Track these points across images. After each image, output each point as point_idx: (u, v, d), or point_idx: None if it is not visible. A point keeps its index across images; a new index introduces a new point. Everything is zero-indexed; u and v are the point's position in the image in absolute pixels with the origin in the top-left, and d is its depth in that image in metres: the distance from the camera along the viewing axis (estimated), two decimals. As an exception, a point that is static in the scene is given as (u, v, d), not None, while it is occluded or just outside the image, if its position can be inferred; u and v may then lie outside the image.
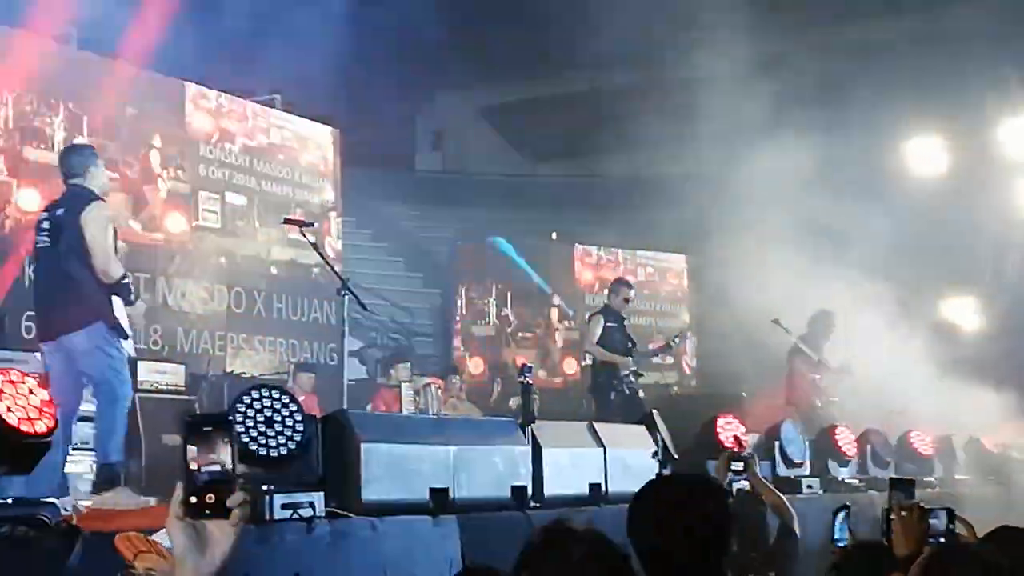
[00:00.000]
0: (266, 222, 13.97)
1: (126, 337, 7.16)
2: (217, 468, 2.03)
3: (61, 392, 6.67)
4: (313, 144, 15.10)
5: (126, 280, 7.19)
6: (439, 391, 11.90)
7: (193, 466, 2.03)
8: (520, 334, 17.75)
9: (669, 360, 17.29)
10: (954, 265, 15.45)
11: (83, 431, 8.75)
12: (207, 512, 2.03)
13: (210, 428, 2.04)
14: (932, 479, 10.99)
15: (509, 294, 17.57)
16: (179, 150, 13.20)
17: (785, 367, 12.74)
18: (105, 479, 6.60)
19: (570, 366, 17.67)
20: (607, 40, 14.68)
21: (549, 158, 18.92)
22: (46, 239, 7.16)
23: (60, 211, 7.17)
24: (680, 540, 3.17)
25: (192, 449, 2.03)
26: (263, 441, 5.15)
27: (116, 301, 7.06)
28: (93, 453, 7.38)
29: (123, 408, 6.99)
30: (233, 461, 2.05)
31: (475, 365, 16.98)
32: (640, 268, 18.65)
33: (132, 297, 7.25)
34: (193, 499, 2.02)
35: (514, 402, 13.43)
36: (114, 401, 6.92)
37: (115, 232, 7.29)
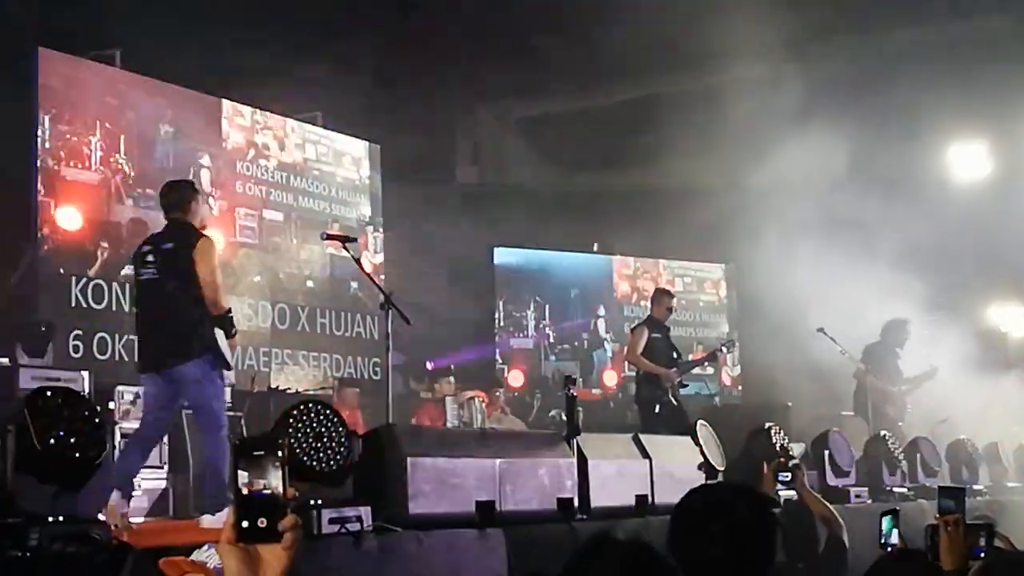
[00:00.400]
0: (305, 238, 14.05)
1: (229, 368, 7.51)
2: (268, 492, 2.04)
3: (154, 421, 7.25)
4: (349, 159, 15.19)
5: (230, 313, 7.50)
6: (483, 404, 11.91)
7: (244, 490, 2.03)
8: (560, 346, 17.73)
9: (710, 371, 17.21)
10: (1000, 271, 15.29)
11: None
12: (259, 536, 2.03)
13: (260, 452, 2.04)
14: (981, 487, 10.89)
15: (548, 307, 17.57)
16: (216, 167, 13.31)
17: (835, 377, 12.67)
18: (221, 500, 6.61)
19: (610, 378, 17.61)
20: (643, 50, 14.66)
21: (586, 169, 18.86)
22: (152, 272, 7.39)
23: (167, 244, 7.41)
24: (721, 549, 3.14)
25: (243, 473, 2.03)
26: (313, 455, 5.17)
27: (219, 333, 7.29)
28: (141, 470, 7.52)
29: (225, 434, 7.19)
30: (284, 484, 2.05)
31: (515, 378, 16.96)
32: (678, 279, 18.59)
33: (233, 330, 7.50)
34: (245, 523, 2.02)
35: (556, 412, 13.42)
36: (219, 428, 7.14)
37: None
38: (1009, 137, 15.35)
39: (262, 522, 2.02)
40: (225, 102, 13.58)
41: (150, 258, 7.43)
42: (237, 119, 13.76)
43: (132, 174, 12.21)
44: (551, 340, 17.63)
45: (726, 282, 19.01)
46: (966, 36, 14.66)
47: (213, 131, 13.37)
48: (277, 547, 2.06)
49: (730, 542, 3.15)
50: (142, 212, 12.06)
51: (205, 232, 7.63)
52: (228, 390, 10.09)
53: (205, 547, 3.33)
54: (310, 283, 14.17)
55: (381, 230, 15.55)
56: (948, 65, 13.99)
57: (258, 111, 13.96)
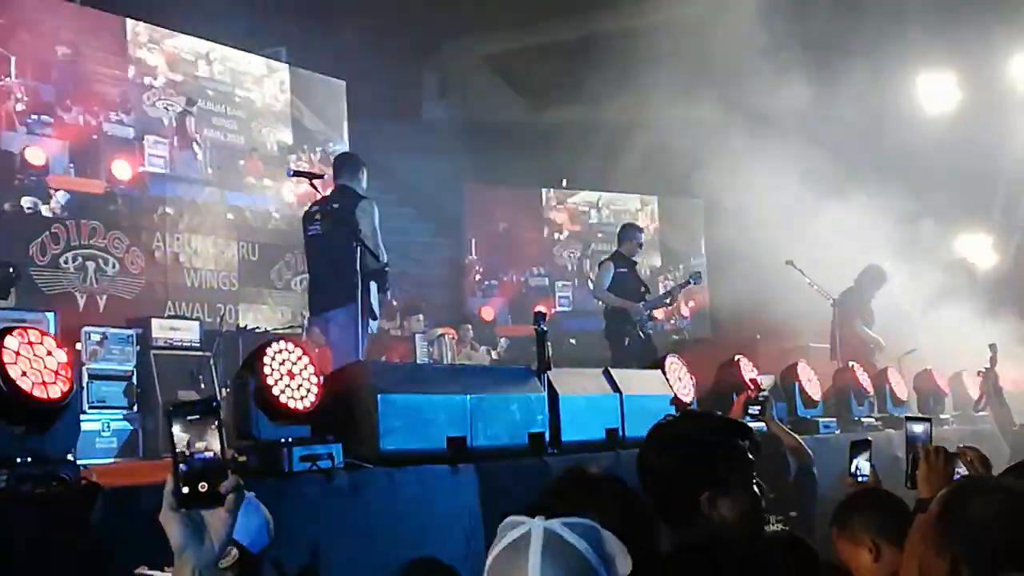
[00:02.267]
0: (230, 168, 13.76)
1: (375, 318, 8.45)
2: (208, 455, 1.99)
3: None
4: (272, 83, 14.74)
5: (387, 268, 8.37)
6: (452, 341, 11.92)
7: (182, 454, 1.98)
8: (532, 282, 17.76)
9: (686, 304, 17.32)
10: (967, 203, 15.35)
11: (100, 390, 8.81)
12: (201, 500, 1.99)
13: (196, 415, 2.00)
14: (948, 416, 10.99)
15: (517, 242, 17.60)
16: (122, 91, 12.91)
17: (806, 310, 12.70)
18: None
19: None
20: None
21: (553, 104, 18.77)
22: (317, 228, 8.46)
23: (334, 205, 8.41)
24: (680, 462, 3.16)
25: (180, 437, 1.98)
26: (283, 394, 5.15)
27: (372, 286, 8.14)
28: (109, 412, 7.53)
29: None
30: (222, 446, 2.01)
31: (487, 313, 16.98)
32: (647, 211, 18.61)
33: (386, 284, 8.43)
34: (186, 489, 1.98)
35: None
36: None
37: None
38: (977, 68, 15.34)
39: (203, 486, 1.98)
40: (129, 22, 13.02)
41: (317, 216, 8.46)
42: (142, 40, 13.20)
43: (25, 99, 11.81)
44: (521, 275, 17.65)
45: (697, 215, 19.05)
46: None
47: (116, 53, 12.89)
48: (220, 510, 2.02)
49: (690, 459, 3.16)
50: (36, 140, 11.72)
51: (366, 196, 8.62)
52: (197, 328, 10.10)
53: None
54: (278, 219, 14.05)
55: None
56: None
57: (166, 31, 13.39)
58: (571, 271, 18.34)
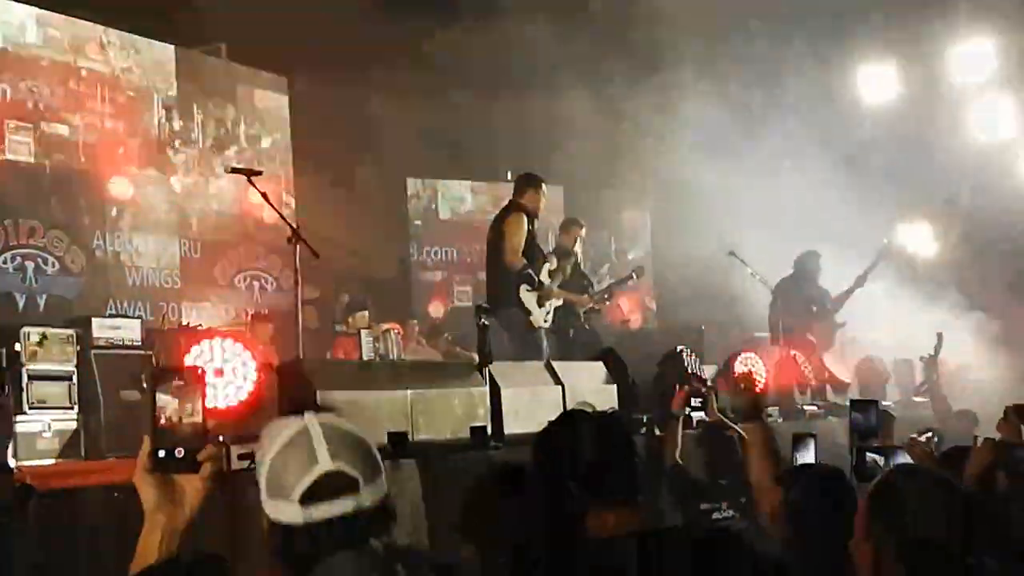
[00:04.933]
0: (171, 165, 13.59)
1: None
2: (188, 421, 1.98)
3: None
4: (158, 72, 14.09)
5: (526, 269, 9.55)
6: (399, 336, 11.86)
7: (162, 419, 1.97)
8: (476, 276, 17.73)
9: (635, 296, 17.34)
10: (908, 192, 15.49)
11: (40, 390, 8.68)
12: (177, 465, 1.98)
13: (181, 381, 1.99)
14: (890, 403, 11.10)
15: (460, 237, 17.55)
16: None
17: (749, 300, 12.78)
18: None
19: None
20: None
21: (505, 97, 18.75)
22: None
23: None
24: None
25: (163, 401, 1.98)
26: (221, 391, 5.12)
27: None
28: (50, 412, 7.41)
29: None
30: (203, 413, 2.01)
31: (435, 309, 16.94)
32: (596, 205, 18.60)
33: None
34: (161, 452, 1.97)
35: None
36: None
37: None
38: (917, 59, 15.50)
39: (179, 452, 1.98)
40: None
41: None
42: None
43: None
44: (463, 269, 17.62)
45: (644, 208, 19.08)
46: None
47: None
48: (195, 477, 2.02)
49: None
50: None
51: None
52: (139, 327, 9.98)
53: None
54: (219, 216, 13.93)
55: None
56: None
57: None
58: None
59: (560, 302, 10.16)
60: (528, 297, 9.72)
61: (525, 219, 9.85)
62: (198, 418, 2.01)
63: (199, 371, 2.08)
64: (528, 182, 10.22)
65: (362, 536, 2.28)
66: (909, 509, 3.03)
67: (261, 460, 2.28)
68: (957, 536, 3.02)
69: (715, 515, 6.22)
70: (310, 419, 2.30)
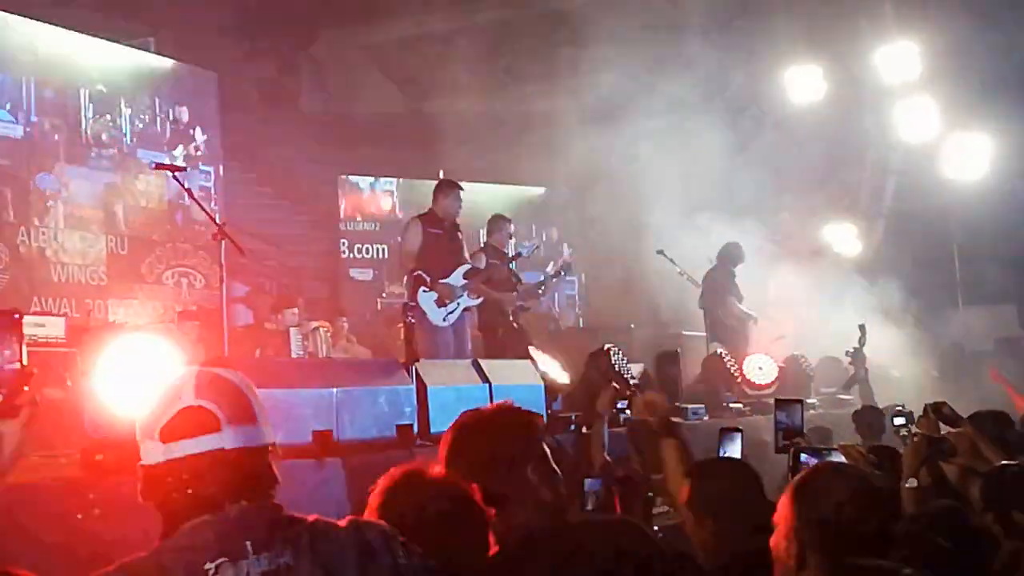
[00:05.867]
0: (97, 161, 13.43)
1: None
2: (9, 367, 1.96)
3: None
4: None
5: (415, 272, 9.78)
6: (328, 334, 11.82)
7: None
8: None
9: (564, 294, 17.42)
10: (834, 192, 15.70)
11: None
12: None
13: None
14: (814, 401, 11.24)
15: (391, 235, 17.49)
16: None
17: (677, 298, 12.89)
18: None
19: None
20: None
21: (433, 96, 18.72)
22: None
23: None
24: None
25: None
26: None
27: None
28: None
29: None
30: (22, 358, 1.98)
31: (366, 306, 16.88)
32: (525, 203, 18.63)
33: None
34: None
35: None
36: None
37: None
38: (843, 60, 15.67)
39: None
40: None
41: None
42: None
43: None
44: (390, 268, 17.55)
45: (571, 206, 19.12)
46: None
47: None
48: (13, 422, 2.00)
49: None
50: None
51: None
52: (63, 324, 9.88)
53: None
54: (147, 212, 13.78)
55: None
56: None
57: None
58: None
59: (477, 300, 10.19)
60: (425, 298, 9.81)
61: (420, 225, 10.10)
62: (16, 364, 1.99)
63: (15, 316, 2.05)
64: (437, 188, 10.51)
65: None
66: (837, 510, 3.08)
67: (144, 409, 2.30)
68: (876, 530, 3.08)
69: (653, 510, 6.26)
70: (192, 368, 2.31)
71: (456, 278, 10.00)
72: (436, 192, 10.42)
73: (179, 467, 2.24)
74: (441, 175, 18.62)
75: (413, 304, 9.10)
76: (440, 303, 9.86)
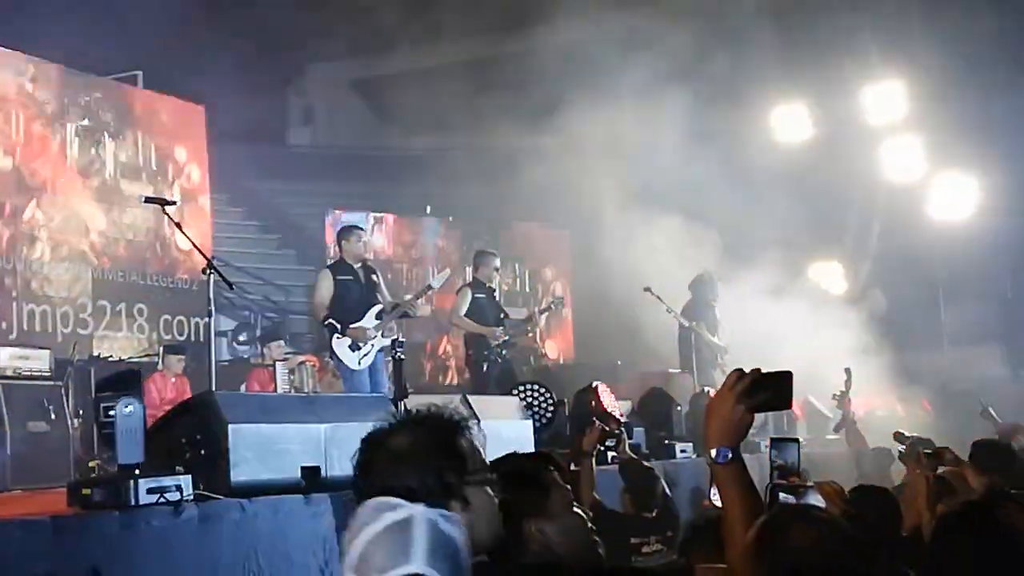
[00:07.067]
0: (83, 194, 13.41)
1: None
2: None
3: None
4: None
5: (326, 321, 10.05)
6: (315, 369, 11.77)
7: None
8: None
9: (546, 329, 17.40)
10: (820, 231, 15.74)
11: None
12: None
13: None
14: (801, 439, 11.20)
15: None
16: None
17: (664, 336, 12.88)
18: None
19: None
20: (478, 12, 14.63)
21: (421, 131, 18.78)
22: None
23: None
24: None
25: None
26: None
27: None
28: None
29: None
30: None
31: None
32: (515, 240, 18.66)
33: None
34: None
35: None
36: None
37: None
38: (829, 100, 15.77)
39: None
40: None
41: None
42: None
43: None
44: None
45: (562, 244, 19.16)
46: (787, 3, 15.00)
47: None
48: None
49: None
50: None
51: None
52: (48, 357, 9.81)
53: None
54: (133, 246, 13.73)
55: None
56: (767, 30, 14.28)
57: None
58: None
59: (389, 340, 10.25)
60: (338, 344, 10.00)
61: (329, 273, 10.32)
62: None
63: None
64: (339, 234, 10.88)
65: None
66: (804, 554, 3.04)
67: (358, 531, 2.23)
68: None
69: (644, 548, 6.25)
70: (418, 510, 2.24)
71: (368, 320, 10.07)
72: (339, 238, 10.74)
73: None
74: (428, 211, 18.71)
75: (330, 353, 9.30)
76: (354, 347, 9.96)
